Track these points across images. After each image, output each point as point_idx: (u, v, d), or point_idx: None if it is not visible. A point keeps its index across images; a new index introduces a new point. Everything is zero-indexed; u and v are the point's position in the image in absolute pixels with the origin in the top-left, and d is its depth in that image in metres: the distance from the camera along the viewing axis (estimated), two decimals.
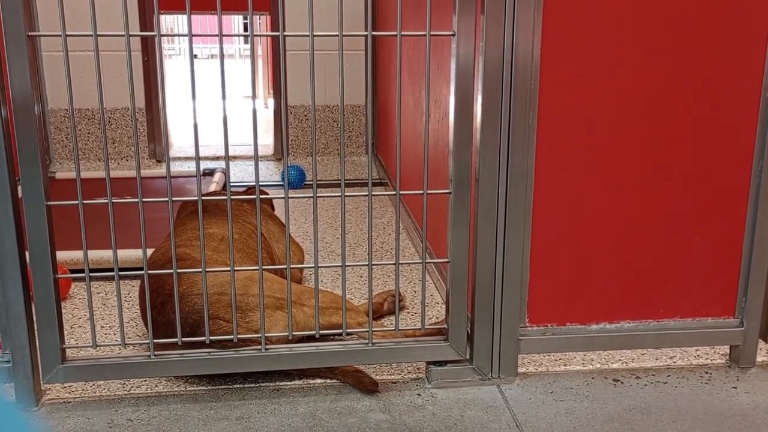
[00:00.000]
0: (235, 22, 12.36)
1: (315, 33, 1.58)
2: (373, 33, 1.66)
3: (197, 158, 1.63)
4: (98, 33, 1.52)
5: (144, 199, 1.60)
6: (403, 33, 1.60)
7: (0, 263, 1.59)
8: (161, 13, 1.64)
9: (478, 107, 1.67)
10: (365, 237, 2.95)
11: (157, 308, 1.78)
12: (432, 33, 1.61)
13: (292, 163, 3.95)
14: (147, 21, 4.00)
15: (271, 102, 6.06)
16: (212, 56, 12.05)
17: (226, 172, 1.54)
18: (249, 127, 5.11)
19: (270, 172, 4.10)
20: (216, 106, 6.78)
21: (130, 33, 1.52)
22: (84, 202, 1.59)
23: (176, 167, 4.17)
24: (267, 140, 4.67)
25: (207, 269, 1.68)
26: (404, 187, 2.97)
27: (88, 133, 4.17)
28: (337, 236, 2.96)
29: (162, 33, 1.61)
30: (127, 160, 4.24)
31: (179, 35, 1.56)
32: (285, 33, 1.60)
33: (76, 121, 4.04)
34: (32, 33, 1.50)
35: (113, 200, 1.59)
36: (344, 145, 1.45)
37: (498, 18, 1.62)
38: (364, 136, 4.37)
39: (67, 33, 1.51)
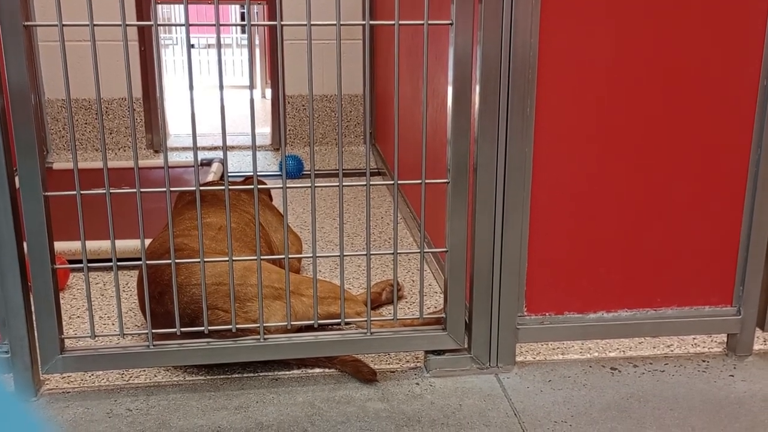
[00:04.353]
0: (232, 11, 12.31)
1: (312, 22, 1.57)
2: (371, 22, 1.66)
3: (195, 148, 1.63)
4: (95, 23, 1.52)
5: (142, 189, 1.60)
6: (400, 22, 1.60)
7: None
8: (158, 3, 1.63)
9: (476, 97, 1.67)
10: (363, 227, 2.95)
11: (156, 298, 1.78)
12: (430, 22, 1.61)
13: (290, 153, 3.94)
14: (144, 11, 3.99)
15: (268, 92, 6.04)
16: (209, 46, 12.00)
17: (223, 162, 1.54)
18: (246, 116, 5.10)
19: (268, 162, 4.09)
20: (213, 95, 6.76)
21: (127, 22, 1.52)
22: (82, 192, 1.58)
23: (174, 157, 4.16)
24: (265, 130, 4.67)
25: (205, 259, 1.68)
26: (402, 176, 2.97)
27: (86, 123, 4.16)
28: (335, 226, 2.96)
29: (159, 23, 1.61)
30: (125, 151, 4.23)
31: (176, 25, 1.55)
32: (282, 22, 1.59)
33: (73, 111, 4.03)
34: (28, 23, 1.50)
35: (111, 190, 1.59)
36: (342, 135, 1.44)
37: (496, 7, 1.62)
38: (362, 126, 4.36)
39: (64, 23, 1.51)
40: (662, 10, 1.69)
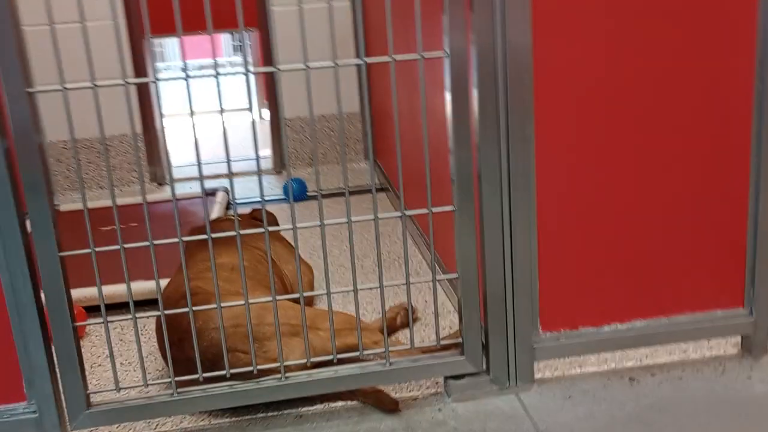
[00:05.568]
0: (224, 40, 12.30)
1: (309, 65, 1.60)
2: (366, 60, 1.68)
3: (201, 179, 1.65)
4: (96, 84, 1.54)
5: (154, 242, 1.63)
6: (395, 57, 1.62)
7: (19, 316, 1.62)
8: (152, 37, 1.65)
9: (475, 122, 1.69)
10: (372, 247, 2.97)
11: (176, 345, 1.80)
12: (424, 55, 1.63)
13: (292, 176, 3.96)
14: (137, 46, 4.00)
15: (265, 112, 6.05)
16: (202, 68, 12.04)
17: (228, 191, 1.57)
18: (243, 140, 5.11)
19: (271, 186, 4.10)
20: (208, 121, 6.77)
21: (128, 81, 1.54)
22: (96, 249, 1.61)
23: (177, 189, 4.17)
24: (265, 153, 4.68)
25: (222, 304, 1.70)
26: (406, 191, 2.98)
27: (88, 162, 4.18)
28: (343, 248, 2.97)
29: (157, 78, 1.63)
30: (129, 186, 4.25)
31: (175, 78, 1.53)
32: (279, 67, 1.62)
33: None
34: (31, 89, 1.52)
35: (125, 246, 1.62)
36: (345, 158, 1.50)
37: (487, 29, 1.64)
38: (362, 143, 4.38)
39: (66, 86, 1.54)
40: (656, 8, 1.69)
